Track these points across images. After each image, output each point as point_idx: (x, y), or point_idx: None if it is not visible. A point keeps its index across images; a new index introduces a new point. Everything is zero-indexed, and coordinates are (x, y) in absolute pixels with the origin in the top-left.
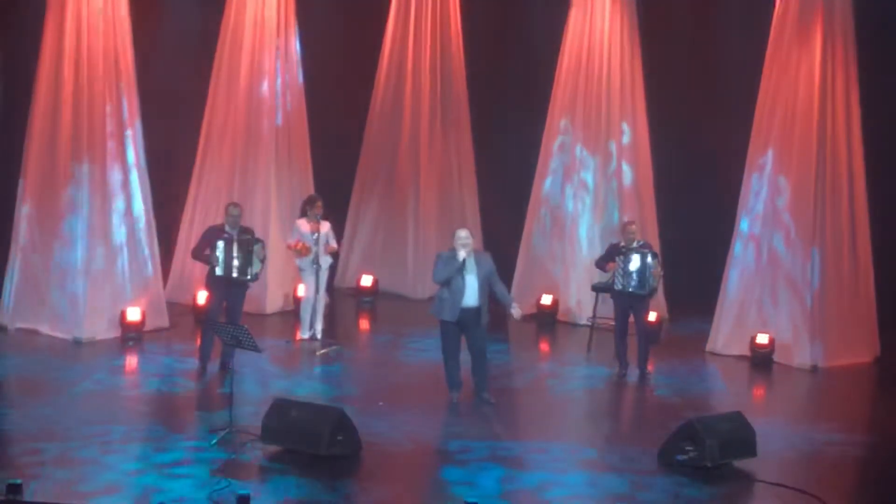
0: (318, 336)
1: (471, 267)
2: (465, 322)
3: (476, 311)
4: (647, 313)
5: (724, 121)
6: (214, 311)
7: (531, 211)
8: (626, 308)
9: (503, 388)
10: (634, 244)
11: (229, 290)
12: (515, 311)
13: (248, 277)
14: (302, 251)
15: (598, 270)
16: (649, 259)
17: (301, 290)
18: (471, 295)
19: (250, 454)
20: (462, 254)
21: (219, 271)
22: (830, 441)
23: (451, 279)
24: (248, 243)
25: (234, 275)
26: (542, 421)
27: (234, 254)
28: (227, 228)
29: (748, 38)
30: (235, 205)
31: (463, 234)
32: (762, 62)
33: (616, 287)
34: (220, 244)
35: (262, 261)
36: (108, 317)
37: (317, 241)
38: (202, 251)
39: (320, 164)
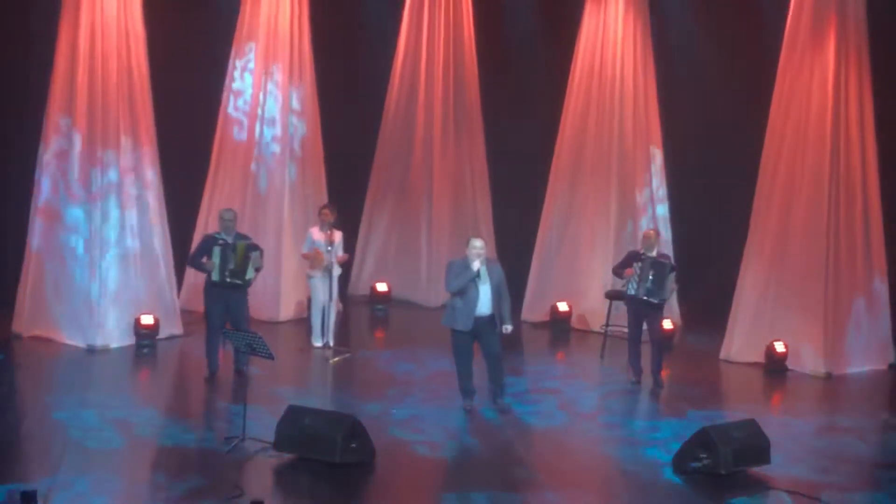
0: (331, 344)
1: (484, 276)
2: (479, 330)
3: (489, 319)
4: (661, 321)
5: (737, 126)
6: (216, 318)
7: (545, 218)
8: (639, 315)
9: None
10: (654, 252)
11: (229, 296)
12: (506, 329)
13: (241, 282)
14: (316, 260)
15: (611, 278)
16: (667, 271)
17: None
18: (484, 303)
19: (264, 462)
20: (476, 263)
21: (214, 277)
22: (845, 449)
23: (465, 289)
24: (246, 248)
25: (229, 279)
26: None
27: (230, 259)
28: (222, 235)
29: (762, 44)
30: (229, 210)
31: (477, 243)
32: (776, 67)
33: (629, 292)
34: (217, 250)
35: (258, 269)
36: (121, 324)
37: (330, 251)
38: (198, 259)
39: (334, 172)
